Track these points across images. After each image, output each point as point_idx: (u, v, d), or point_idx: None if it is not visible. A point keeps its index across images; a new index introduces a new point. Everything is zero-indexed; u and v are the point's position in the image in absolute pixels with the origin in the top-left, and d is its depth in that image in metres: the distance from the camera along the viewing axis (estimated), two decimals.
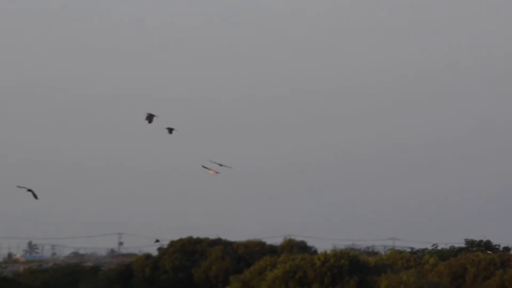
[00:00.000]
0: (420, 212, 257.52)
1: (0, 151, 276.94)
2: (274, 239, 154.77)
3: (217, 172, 65.24)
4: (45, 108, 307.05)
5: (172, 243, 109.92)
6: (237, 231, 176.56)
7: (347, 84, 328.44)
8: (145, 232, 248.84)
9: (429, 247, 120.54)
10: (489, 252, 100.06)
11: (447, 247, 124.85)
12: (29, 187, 59.70)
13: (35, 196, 60.12)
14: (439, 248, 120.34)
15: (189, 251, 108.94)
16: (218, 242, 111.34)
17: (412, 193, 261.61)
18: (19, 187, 59.51)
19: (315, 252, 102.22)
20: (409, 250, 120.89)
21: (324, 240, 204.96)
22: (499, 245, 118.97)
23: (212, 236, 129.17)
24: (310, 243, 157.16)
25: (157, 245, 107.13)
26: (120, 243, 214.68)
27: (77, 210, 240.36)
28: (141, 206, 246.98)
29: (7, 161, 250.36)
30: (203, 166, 65.74)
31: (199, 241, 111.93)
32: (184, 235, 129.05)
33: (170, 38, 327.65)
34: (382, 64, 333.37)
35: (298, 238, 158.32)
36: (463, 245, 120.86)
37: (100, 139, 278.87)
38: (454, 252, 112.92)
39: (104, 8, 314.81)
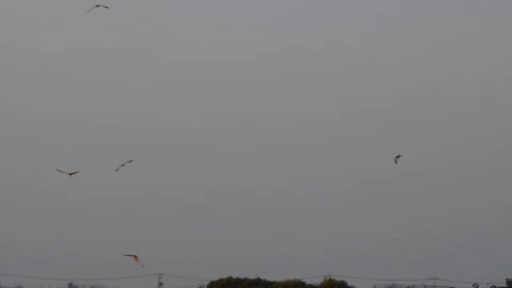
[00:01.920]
0: (461, 250, 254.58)
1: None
2: (314, 279, 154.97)
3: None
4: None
5: (212, 284, 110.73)
6: (276, 270, 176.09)
7: None
8: (186, 272, 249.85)
9: (470, 287, 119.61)
10: None
11: (488, 287, 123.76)
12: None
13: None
14: None
15: None
16: (257, 282, 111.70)
17: (452, 229, 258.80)
18: (59, 170, 60.12)
19: None
20: None
21: (364, 280, 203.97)
22: None
23: (252, 275, 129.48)
24: (350, 282, 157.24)
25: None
26: (160, 284, 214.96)
27: (120, 247, 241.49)
28: (182, 245, 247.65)
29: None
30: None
31: (239, 281, 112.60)
32: (224, 274, 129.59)
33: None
34: None
35: (338, 278, 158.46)
36: (504, 284, 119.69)
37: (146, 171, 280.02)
38: None
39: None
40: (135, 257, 64.16)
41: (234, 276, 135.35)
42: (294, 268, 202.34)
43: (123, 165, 63.50)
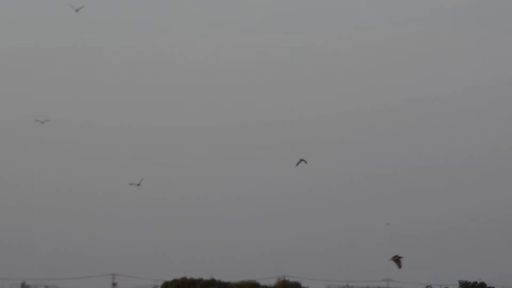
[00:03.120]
0: (415, 252, 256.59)
1: None
2: (268, 280, 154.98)
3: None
4: None
5: (166, 285, 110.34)
6: (231, 271, 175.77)
7: None
8: (140, 273, 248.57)
9: None
10: None
11: None
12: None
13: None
14: None
15: None
16: (212, 283, 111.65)
17: (406, 231, 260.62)
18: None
19: None
20: None
21: (318, 281, 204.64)
22: (493, 287, 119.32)
23: (206, 276, 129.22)
24: (304, 283, 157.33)
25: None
26: (114, 284, 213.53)
27: (72, 247, 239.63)
28: (136, 245, 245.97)
29: None
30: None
31: (193, 282, 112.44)
32: (178, 275, 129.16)
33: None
34: None
35: (292, 279, 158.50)
36: (457, 286, 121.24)
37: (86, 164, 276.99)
38: None
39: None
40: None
41: (189, 276, 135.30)
42: (248, 269, 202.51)
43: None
